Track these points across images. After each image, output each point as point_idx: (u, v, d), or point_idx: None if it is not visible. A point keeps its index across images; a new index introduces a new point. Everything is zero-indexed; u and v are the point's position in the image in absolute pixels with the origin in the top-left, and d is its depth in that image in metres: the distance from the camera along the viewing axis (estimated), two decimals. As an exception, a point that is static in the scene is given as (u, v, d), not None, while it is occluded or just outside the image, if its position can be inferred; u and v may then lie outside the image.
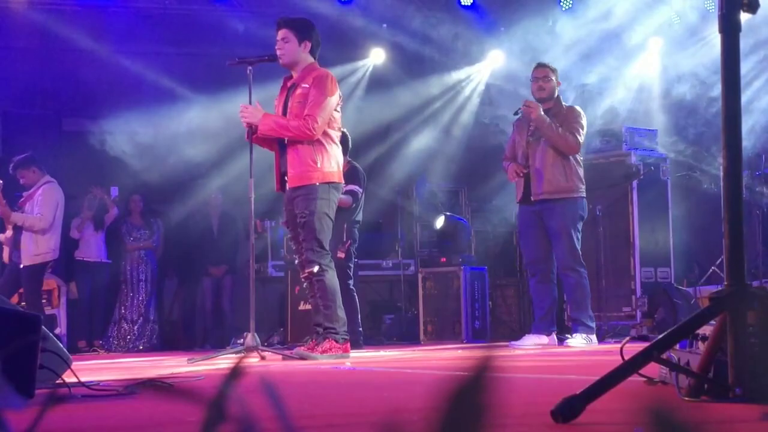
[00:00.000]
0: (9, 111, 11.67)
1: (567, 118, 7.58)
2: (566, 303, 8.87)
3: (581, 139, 7.57)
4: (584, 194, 7.63)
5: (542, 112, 7.50)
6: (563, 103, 7.78)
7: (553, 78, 7.69)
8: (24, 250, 9.02)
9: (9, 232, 9.23)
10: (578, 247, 7.56)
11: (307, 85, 6.11)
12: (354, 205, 8.50)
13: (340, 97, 6.27)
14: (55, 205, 9.19)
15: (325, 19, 9.79)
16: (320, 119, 6.01)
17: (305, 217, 6.09)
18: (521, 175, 7.60)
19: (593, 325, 7.64)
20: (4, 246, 9.40)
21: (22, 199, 9.26)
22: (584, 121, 7.67)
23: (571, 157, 7.56)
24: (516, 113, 7.75)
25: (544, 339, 7.52)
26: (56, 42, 10.94)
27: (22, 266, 9.03)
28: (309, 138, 6.04)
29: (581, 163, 7.70)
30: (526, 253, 7.85)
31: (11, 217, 9.08)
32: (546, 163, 7.52)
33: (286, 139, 6.12)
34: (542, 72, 7.71)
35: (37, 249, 9.03)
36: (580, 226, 7.62)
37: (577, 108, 7.78)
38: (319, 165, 6.08)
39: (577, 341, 7.44)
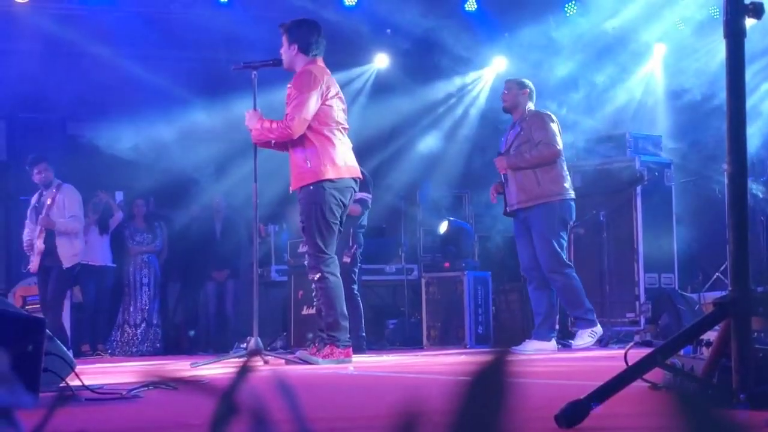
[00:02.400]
0: (14, 115, 11.69)
1: (530, 127, 7.53)
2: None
3: (554, 145, 7.46)
4: (566, 197, 7.52)
5: (506, 161, 7.54)
6: (529, 109, 7.66)
7: (514, 89, 7.65)
8: (62, 254, 9.15)
9: (41, 244, 9.17)
10: (560, 249, 7.46)
11: (290, 86, 6.12)
12: (363, 212, 8.54)
13: (338, 95, 6.20)
14: (80, 205, 9.39)
15: (328, 23, 9.77)
16: (297, 118, 5.93)
17: (303, 222, 6.11)
18: (500, 192, 7.68)
19: (593, 317, 7.58)
20: (36, 255, 9.28)
21: (47, 205, 9.15)
22: (551, 123, 7.56)
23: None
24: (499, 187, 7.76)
25: (544, 344, 7.50)
26: (61, 46, 10.95)
27: (64, 267, 9.14)
28: (289, 138, 6.00)
29: (563, 166, 7.58)
30: (521, 261, 7.85)
31: (55, 225, 9.09)
32: (515, 173, 7.52)
33: (272, 141, 6.13)
34: (504, 86, 7.79)
35: (74, 249, 9.23)
36: (562, 229, 7.57)
37: (540, 113, 7.67)
38: (309, 165, 6.02)
39: (582, 339, 7.43)
